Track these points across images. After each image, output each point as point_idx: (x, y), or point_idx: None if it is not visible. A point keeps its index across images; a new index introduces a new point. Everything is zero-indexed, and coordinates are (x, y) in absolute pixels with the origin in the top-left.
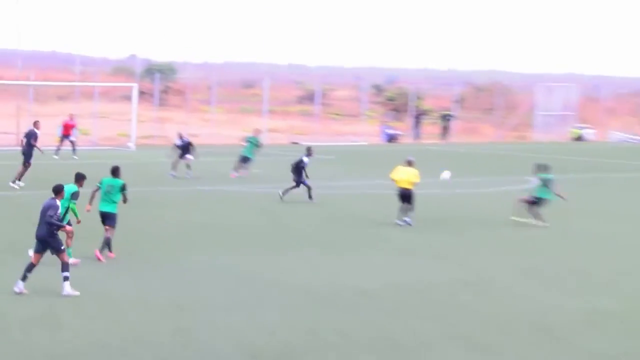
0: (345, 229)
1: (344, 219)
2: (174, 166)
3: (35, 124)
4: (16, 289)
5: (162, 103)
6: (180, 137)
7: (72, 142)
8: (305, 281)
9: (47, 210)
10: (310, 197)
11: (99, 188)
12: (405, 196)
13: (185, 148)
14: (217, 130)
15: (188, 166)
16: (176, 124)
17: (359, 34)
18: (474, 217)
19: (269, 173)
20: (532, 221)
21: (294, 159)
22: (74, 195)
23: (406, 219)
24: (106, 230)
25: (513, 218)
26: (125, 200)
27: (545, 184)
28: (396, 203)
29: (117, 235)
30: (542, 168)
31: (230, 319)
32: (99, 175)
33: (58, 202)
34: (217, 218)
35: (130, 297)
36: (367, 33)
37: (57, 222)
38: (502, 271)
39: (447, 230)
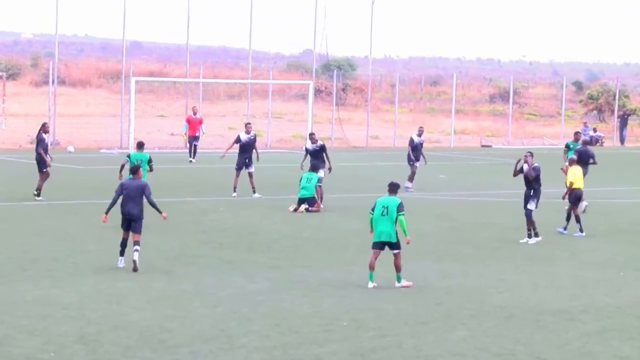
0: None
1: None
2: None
3: (45, 126)
4: (120, 264)
5: (340, 102)
6: (418, 136)
7: (195, 146)
8: (491, 297)
9: (144, 189)
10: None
11: (127, 161)
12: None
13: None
14: (400, 132)
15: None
16: (355, 125)
17: (556, 25)
18: None
19: (454, 179)
20: None
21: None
22: (400, 207)
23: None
24: None
25: None
26: (151, 169)
27: None
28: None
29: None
30: None
31: (417, 340)
32: (278, 181)
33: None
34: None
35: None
36: (565, 24)
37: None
38: None
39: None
